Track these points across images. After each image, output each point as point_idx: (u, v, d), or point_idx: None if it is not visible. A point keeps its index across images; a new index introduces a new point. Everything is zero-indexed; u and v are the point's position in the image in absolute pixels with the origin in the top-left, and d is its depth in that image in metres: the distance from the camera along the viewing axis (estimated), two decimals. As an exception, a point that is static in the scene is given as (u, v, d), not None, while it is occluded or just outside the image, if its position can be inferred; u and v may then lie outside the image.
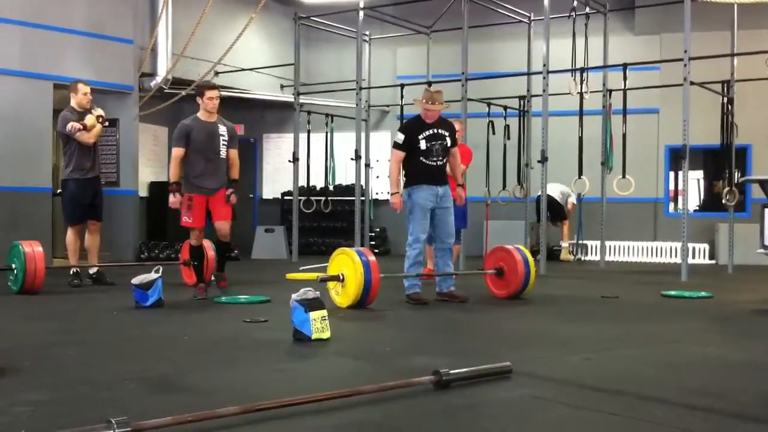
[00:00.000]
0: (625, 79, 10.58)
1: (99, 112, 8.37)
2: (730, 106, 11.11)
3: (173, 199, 7.12)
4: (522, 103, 12.72)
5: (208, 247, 8.35)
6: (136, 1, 12.23)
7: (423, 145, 7.02)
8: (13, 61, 10.68)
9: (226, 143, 7.33)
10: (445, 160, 7.14)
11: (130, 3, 12.10)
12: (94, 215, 8.40)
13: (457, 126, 7.77)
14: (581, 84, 10.95)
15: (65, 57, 11.20)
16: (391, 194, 7.23)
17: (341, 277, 6.53)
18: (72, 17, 11.33)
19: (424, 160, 7.04)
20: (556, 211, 12.77)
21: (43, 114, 10.94)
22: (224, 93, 12.57)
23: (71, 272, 8.29)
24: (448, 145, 7.13)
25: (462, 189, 7.40)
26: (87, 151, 8.27)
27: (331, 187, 13.73)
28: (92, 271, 8.45)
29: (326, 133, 13.28)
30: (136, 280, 6.55)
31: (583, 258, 13.55)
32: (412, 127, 7.20)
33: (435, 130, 7.08)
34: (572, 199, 13.10)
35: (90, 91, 8.43)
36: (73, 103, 8.31)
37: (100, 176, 8.56)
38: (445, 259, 7.19)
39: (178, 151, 7.15)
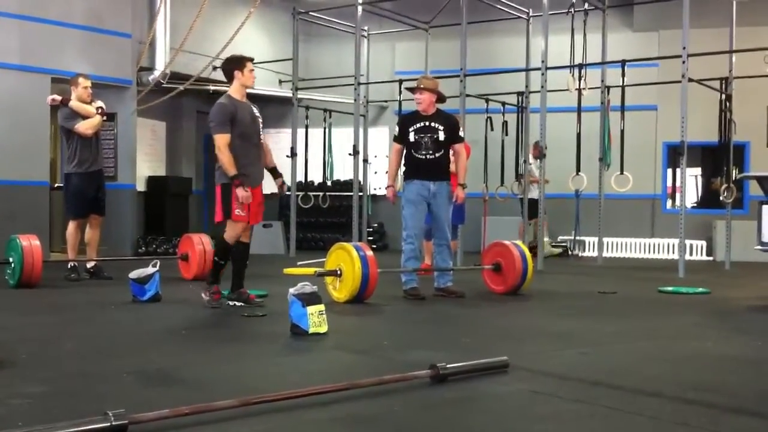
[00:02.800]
0: (623, 75, 10.58)
1: (99, 103, 8.37)
2: (728, 103, 11.12)
3: (245, 194, 6.02)
4: (520, 99, 12.71)
5: (207, 242, 8.37)
6: (135, -5, 12.22)
7: (412, 137, 7.02)
8: (12, 54, 10.67)
9: (262, 126, 6.44)
10: (438, 155, 7.05)
11: (128, -3, 12.09)
12: (98, 209, 8.39)
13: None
14: (579, 80, 10.95)
15: (63, 51, 11.19)
16: (386, 186, 7.33)
17: (339, 272, 6.53)
18: (70, 11, 11.32)
19: (414, 153, 7.04)
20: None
21: (41, 108, 10.88)
22: (223, 87, 12.59)
23: (69, 266, 8.28)
24: (440, 138, 7.03)
25: (461, 189, 7.24)
26: (88, 145, 8.27)
27: (329, 183, 13.73)
28: (90, 265, 8.44)
29: (324, 128, 13.28)
30: (133, 275, 6.55)
31: (580, 254, 13.57)
32: (405, 119, 7.23)
33: (427, 123, 7.04)
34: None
35: (91, 85, 8.43)
36: (73, 97, 8.31)
37: (103, 170, 8.55)
38: (443, 255, 7.19)
39: (225, 138, 6.03)
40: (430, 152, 7.02)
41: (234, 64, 6.33)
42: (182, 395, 3.31)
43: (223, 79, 6.69)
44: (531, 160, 12.35)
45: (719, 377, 3.89)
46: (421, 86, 7.06)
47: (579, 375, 3.82)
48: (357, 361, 4.31)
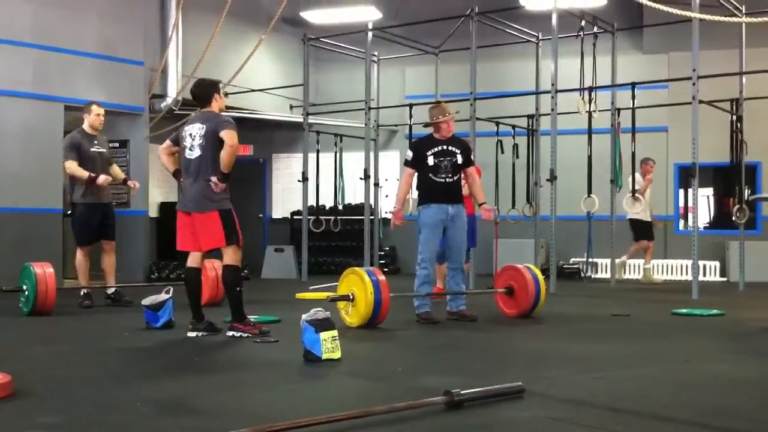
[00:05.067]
0: (633, 97, 10.58)
1: (111, 175, 8.39)
2: (739, 124, 11.10)
3: None
4: (531, 122, 12.72)
5: (218, 267, 8.33)
6: (147, 23, 12.33)
7: (431, 161, 7.04)
8: (25, 83, 10.77)
9: None
10: (456, 178, 7.11)
11: (140, 25, 12.21)
12: (106, 235, 8.38)
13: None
14: (590, 103, 10.95)
15: (76, 79, 11.28)
16: (394, 210, 7.26)
17: (351, 297, 6.52)
18: (83, 39, 11.42)
19: (432, 176, 7.05)
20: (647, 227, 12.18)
21: (55, 135, 10.98)
22: (234, 114, 12.66)
23: (82, 293, 8.29)
24: (459, 162, 7.10)
25: (487, 205, 7.30)
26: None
27: (340, 207, 13.75)
28: (110, 291, 8.44)
29: (335, 152, 13.32)
30: (146, 301, 6.56)
31: (593, 276, 13.51)
32: (421, 143, 7.24)
33: (445, 147, 7.09)
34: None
35: (104, 113, 8.46)
36: (85, 124, 8.34)
37: (110, 203, 8.48)
38: (456, 279, 7.18)
39: None
40: (450, 176, 7.06)
41: (213, 87, 6.35)
42: (196, 424, 3.31)
43: (235, 105, 6.69)
44: (638, 177, 11.73)
45: (735, 401, 3.86)
46: (448, 113, 7.10)
47: (595, 400, 3.80)
48: (371, 388, 4.30)
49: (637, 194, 11.03)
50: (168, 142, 6.38)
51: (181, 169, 6.28)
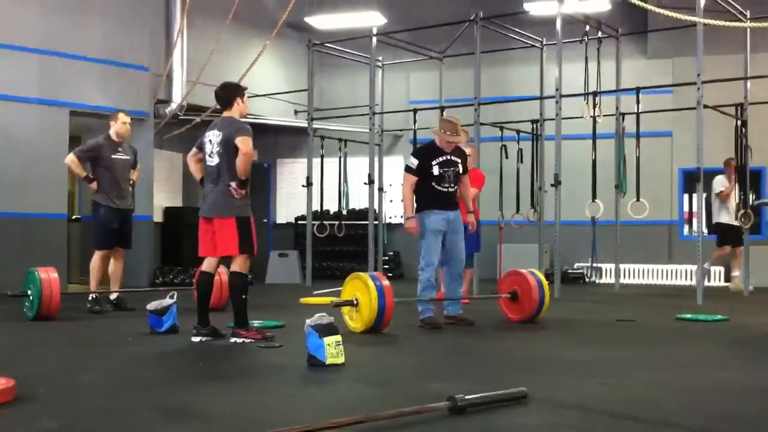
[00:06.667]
0: (638, 102, 10.57)
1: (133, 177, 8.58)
2: (743, 129, 11.08)
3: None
4: (535, 127, 12.72)
5: (223, 272, 8.34)
6: (152, 28, 12.38)
7: (436, 170, 7.05)
8: (31, 88, 10.81)
9: None
10: (456, 187, 7.19)
11: (145, 31, 12.25)
12: (122, 242, 8.42)
13: (469, 150, 7.83)
14: (594, 108, 10.96)
15: (81, 84, 11.33)
16: (406, 218, 7.19)
17: (355, 302, 6.52)
18: (88, 45, 11.47)
19: (436, 185, 7.06)
20: (733, 232, 11.40)
21: (60, 141, 11.03)
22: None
23: (90, 298, 8.27)
24: (460, 171, 7.18)
25: (473, 215, 7.40)
26: (115, 184, 8.29)
27: (344, 212, 13.76)
28: (113, 297, 8.45)
29: (340, 157, 13.34)
30: (150, 306, 6.56)
31: (597, 281, 13.50)
32: (425, 152, 7.23)
33: (448, 157, 7.12)
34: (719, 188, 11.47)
35: (129, 121, 8.48)
36: (112, 131, 8.35)
37: (131, 210, 8.56)
38: (454, 285, 7.21)
39: None
40: (452, 185, 7.13)
41: (237, 91, 6.35)
42: (199, 429, 3.31)
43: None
44: (722, 179, 11.45)
45: (740, 408, 3.85)
46: (460, 134, 7.11)
47: (599, 406, 3.79)
48: (375, 393, 4.29)
49: (721, 197, 11.30)
50: (194, 149, 6.38)
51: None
